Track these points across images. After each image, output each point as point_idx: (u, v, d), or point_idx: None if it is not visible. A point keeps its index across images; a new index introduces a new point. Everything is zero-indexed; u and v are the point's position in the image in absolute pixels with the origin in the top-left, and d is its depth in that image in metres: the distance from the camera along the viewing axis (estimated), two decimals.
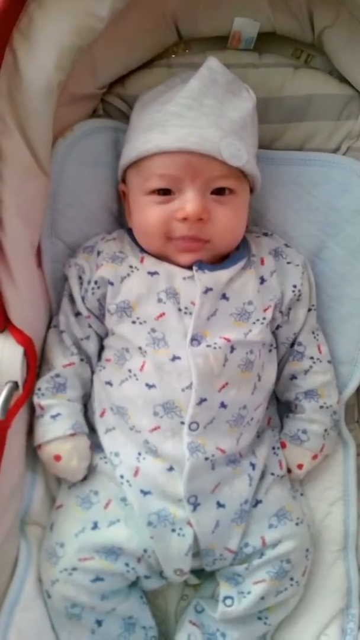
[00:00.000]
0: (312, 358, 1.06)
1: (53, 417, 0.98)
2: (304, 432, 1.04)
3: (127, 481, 0.94)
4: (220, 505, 0.94)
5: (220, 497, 0.94)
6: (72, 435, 0.97)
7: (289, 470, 1.05)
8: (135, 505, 0.93)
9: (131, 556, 0.92)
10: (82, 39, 0.89)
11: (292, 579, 0.94)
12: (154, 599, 1.01)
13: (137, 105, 1.04)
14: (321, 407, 1.05)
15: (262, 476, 1.00)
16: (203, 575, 1.01)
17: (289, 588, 0.94)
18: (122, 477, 0.95)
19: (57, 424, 0.97)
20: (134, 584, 0.95)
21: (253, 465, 0.98)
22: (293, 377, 1.07)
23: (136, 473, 0.95)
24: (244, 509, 0.96)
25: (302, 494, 1.07)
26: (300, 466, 1.04)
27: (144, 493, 0.93)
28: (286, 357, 1.07)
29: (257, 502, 0.97)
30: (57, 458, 0.96)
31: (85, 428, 1.00)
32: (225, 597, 0.94)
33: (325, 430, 1.05)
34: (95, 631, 0.92)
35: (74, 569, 0.90)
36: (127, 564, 0.92)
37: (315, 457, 1.05)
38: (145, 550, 0.92)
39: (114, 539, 0.92)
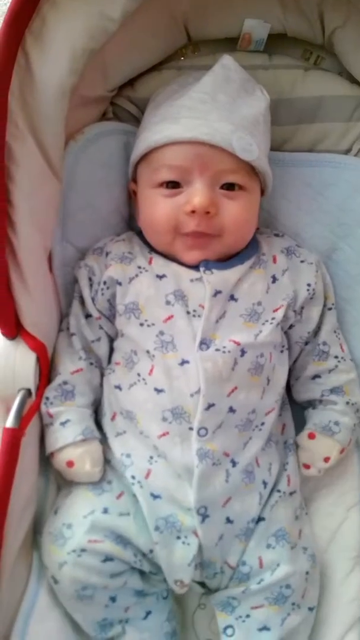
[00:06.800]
0: (336, 357, 1.05)
1: (62, 423, 0.96)
2: (337, 423, 1.02)
3: (139, 482, 0.93)
4: (229, 521, 0.92)
5: (231, 513, 0.92)
6: (83, 440, 0.96)
7: (308, 467, 1.02)
8: (144, 507, 0.92)
9: (138, 550, 0.91)
10: (94, 41, 0.87)
11: (293, 603, 0.92)
12: None
13: (149, 105, 1.04)
14: (347, 402, 1.03)
15: (269, 493, 0.97)
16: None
17: (291, 613, 0.92)
18: (133, 477, 0.93)
19: (67, 430, 0.96)
20: None
21: (265, 484, 0.96)
22: (316, 376, 1.05)
23: (148, 475, 0.93)
24: (250, 527, 0.94)
25: (306, 513, 1.03)
26: (327, 459, 1.01)
27: (154, 496, 0.92)
28: (303, 356, 1.06)
29: (259, 519, 0.95)
30: (70, 464, 0.95)
31: (97, 433, 0.98)
32: (225, 627, 0.92)
33: (355, 424, 1.03)
34: (109, 605, 0.90)
35: (83, 550, 0.88)
36: (135, 555, 0.91)
37: (342, 451, 1.02)
38: (151, 551, 0.91)
39: (124, 529, 0.90)
